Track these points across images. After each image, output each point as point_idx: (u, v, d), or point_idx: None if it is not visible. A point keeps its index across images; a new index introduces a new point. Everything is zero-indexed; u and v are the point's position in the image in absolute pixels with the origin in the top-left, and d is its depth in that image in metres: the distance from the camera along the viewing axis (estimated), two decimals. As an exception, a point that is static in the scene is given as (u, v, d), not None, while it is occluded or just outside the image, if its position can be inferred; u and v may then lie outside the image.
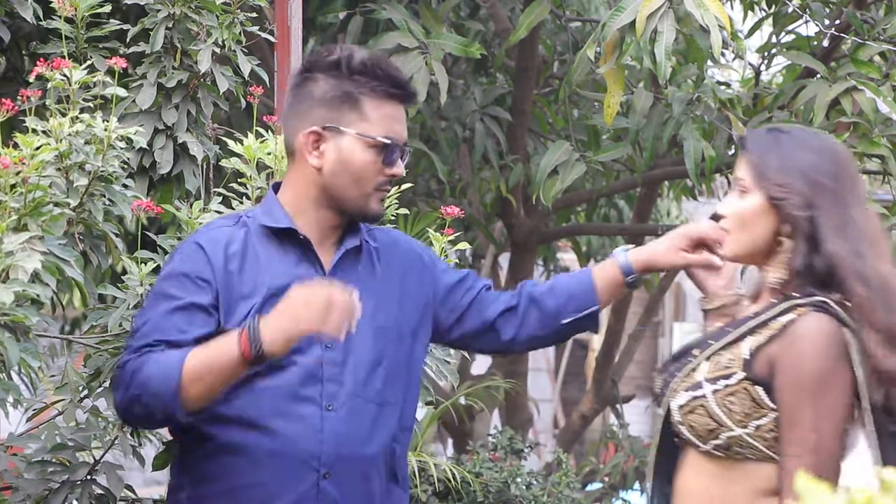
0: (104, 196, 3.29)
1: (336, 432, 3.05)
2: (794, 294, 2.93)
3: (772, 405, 2.89)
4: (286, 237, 3.12)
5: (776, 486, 2.91)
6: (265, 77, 3.86)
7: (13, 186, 2.97)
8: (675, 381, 2.99)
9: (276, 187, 3.20)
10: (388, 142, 3.10)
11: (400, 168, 3.13)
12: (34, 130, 3.13)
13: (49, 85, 3.25)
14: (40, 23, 3.73)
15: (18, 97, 3.19)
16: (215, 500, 3.07)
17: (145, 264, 3.31)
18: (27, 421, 3.73)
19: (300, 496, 3.04)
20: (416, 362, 3.24)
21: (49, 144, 3.12)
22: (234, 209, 3.43)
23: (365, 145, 3.09)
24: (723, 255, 3.09)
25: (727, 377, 2.92)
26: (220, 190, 3.50)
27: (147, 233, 3.49)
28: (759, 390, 2.90)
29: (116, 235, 3.35)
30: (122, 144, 3.27)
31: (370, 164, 3.09)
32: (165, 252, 3.40)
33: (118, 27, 3.76)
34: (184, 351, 2.99)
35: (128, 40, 3.78)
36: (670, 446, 3.03)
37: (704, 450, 2.95)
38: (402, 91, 3.13)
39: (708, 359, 2.96)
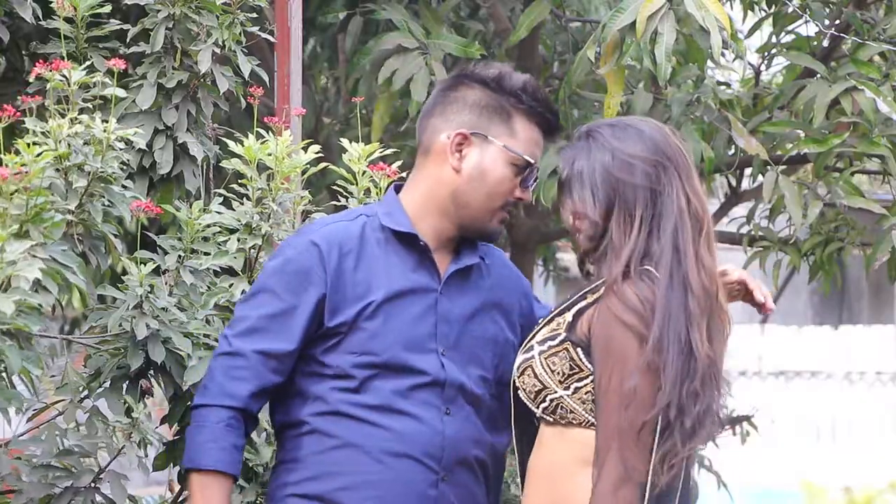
0: (103, 197, 3.28)
1: (455, 437, 3.10)
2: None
3: (590, 368, 2.97)
4: (406, 241, 3.12)
5: None
6: (265, 77, 3.85)
7: (14, 193, 2.96)
8: (518, 351, 3.08)
9: (398, 189, 3.20)
10: (532, 162, 3.11)
11: (530, 194, 3.15)
12: (33, 131, 3.13)
13: (48, 86, 3.25)
14: (40, 23, 3.73)
15: (19, 100, 3.19)
16: (336, 495, 3.07)
17: (145, 265, 3.31)
18: (27, 421, 3.73)
19: (420, 496, 3.07)
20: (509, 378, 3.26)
21: (48, 145, 3.12)
22: (234, 210, 3.43)
23: (507, 160, 3.10)
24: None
25: (553, 339, 3.00)
26: (221, 191, 3.50)
27: (147, 233, 3.48)
28: (580, 352, 2.98)
29: (115, 236, 3.34)
30: (122, 145, 3.27)
31: (507, 179, 3.10)
32: (166, 252, 3.40)
33: (118, 27, 3.76)
34: (220, 457, 3.03)
35: (128, 40, 3.78)
36: (528, 421, 3.10)
37: (536, 416, 3.04)
38: (553, 120, 3.16)
39: (546, 325, 3.04)
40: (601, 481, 2.91)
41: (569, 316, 3.01)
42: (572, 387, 2.99)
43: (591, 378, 2.97)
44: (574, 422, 2.99)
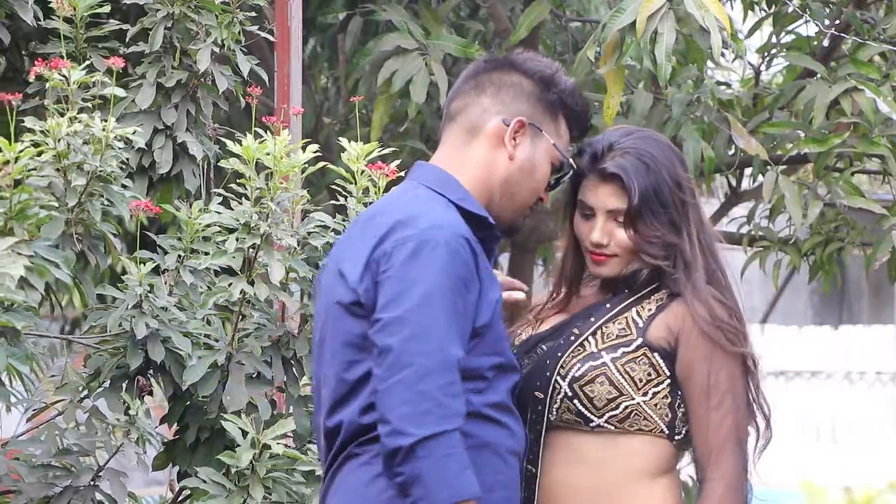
0: (102, 196, 3.28)
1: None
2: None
3: (668, 372, 3.00)
4: (479, 229, 2.94)
5: (660, 467, 3.01)
6: (265, 77, 3.85)
7: (-2, 191, 2.97)
8: (561, 360, 3.01)
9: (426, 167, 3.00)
10: (574, 167, 3.03)
11: (549, 197, 3.07)
12: (32, 130, 3.13)
13: (47, 85, 3.25)
14: (39, 23, 3.73)
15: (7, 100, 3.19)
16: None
17: (144, 264, 3.31)
18: (27, 421, 3.73)
19: (522, 495, 3.03)
20: None
21: (40, 146, 3.12)
22: (233, 209, 3.42)
23: (551, 159, 3.00)
24: (606, 273, 3.11)
25: (626, 345, 3.00)
26: (220, 190, 3.49)
27: (147, 233, 3.48)
28: (657, 356, 2.99)
29: (115, 236, 3.34)
30: (121, 145, 3.27)
31: (546, 177, 3.00)
32: (165, 252, 3.40)
33: (118, 27, 3.76)
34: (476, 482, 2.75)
35: (127, 40, 3.77)
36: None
37: (593, 425, 3.00)
38: (586, 132, 3.11)
39: (593, 334, 3.02)
40: (721, 480, 2.96)
41: (636, 320, 3.02)
42: (650, 392, 2.99)
43: (667, 383, 3.00)
44: (645, 429, 3.00)
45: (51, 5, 3.59)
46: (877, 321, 14.67)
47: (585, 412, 3.00)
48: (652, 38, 4.63)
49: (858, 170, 5.77)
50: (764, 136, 5.57)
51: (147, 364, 3.38)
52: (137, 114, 3.73)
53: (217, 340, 3.45)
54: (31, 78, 3.35)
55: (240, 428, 3.28)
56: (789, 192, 5.37)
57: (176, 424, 3.55)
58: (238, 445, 3.29)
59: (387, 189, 3.51)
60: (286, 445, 3.38)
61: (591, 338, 3.03)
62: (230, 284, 3.36)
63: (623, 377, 2.99)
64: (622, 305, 3.04)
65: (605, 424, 3.00)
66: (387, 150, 3.55)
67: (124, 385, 3.41)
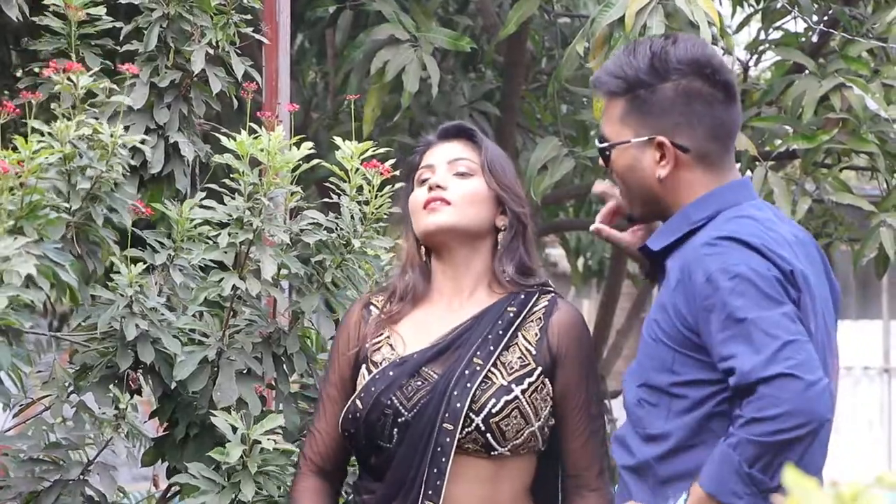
0: (104, 202, 3.26)
1: None
2: (522, 283, 3.16)
3: (552, 393, 3.09)
4: None
5: (532, 478, 3.10)
6: (258, 78, 3.83)
7: (10, 189, 2.95)
8: (471, 394, 3.02)
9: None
10: None
11: None
12: (39, 132, 3.12)
13: (56, 88, 3.23)
14: (31, 19, 3.70)
15: (18, 97, 3.17)
16: None
17: (135, 264, 3.29)
18: (13, 417, 3.71)
19: None
20: None
21: (52, 147, 3.11)
22: (225, 204, 3.40)
23: None
24: (440, 223, 3.15)
25: (529, 375, 3.07)
26: (213, 186, 3.47)
27: (136, 230, 3.46)
28: (548, 382, 3.09)
29: (116, 242, 3.33)
30: (125, 151, 3.25)
31: None
32: (155, 250, 3.38)
33: (111, 25, 3.73)
34: None
35: (121, 38, 3.74)
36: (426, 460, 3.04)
37: (494, 454, 3.03)
38: None
39: (494, 365, 3.06)
40: (606, 487, 3.19)
41: (530, 348, 3.17)
42: (542, 416, 3.10)
43: (551, 405, 3.14)
44: (533, 449, 3.11)
45: (44, 2, 3.56)
46: (864, 317, 14.70)
47: (493, 443, 3.03)
48: (641, 32, 4.62)
49: (847, 166, 5.77)
50: (752, 131, 5.57)
51: (136, 364, 3.37)
52: (130, 113, 3.70)
53: (207, 336, 3.44)
54: (41, 77, 3.32)
55: (230, 424, 3.26)
56: (778, 188, 5.37)
57: (166, 420, 3.53)
58: (228, 441, 3.28)
59: (381, 188, 3.47)
60: (276, 441, 3.37)
61: (494, 370, 3.06)
62: (221, 279, 3.35)
63: (530, 408, 3.05)
64: (511, 329, 3.10)
65: (506, 452, 3.04)
66: (381, 150, 3.53)
67: (114, 382, 3.39)
